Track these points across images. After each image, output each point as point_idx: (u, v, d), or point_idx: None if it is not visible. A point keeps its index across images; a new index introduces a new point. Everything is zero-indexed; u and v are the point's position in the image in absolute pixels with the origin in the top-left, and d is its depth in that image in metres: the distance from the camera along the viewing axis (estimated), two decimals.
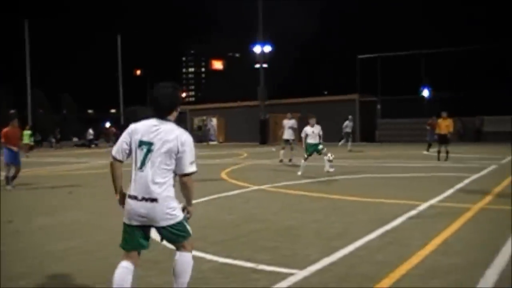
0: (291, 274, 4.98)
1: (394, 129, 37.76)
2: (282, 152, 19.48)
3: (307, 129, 14.73)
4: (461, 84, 47.70)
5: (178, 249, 3.91)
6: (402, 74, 52.87)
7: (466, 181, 12.36)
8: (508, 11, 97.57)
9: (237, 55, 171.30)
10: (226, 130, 46.46)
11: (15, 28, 55.05)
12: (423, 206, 8.81)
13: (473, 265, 5.17)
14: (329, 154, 14.29)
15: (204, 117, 48.12)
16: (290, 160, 18.94)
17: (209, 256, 5.67)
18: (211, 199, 10.21)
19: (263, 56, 42.97)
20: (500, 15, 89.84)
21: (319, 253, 5.72)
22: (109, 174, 3.96)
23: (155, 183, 3.67)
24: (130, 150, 3.83)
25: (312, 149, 14.60)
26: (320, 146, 14.63)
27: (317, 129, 14.75)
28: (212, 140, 45.69)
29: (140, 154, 3.74)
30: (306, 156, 14.78)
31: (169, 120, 3.81)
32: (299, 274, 4.98)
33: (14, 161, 12.96)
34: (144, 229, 3.80)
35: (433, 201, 9.30)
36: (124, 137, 3.85)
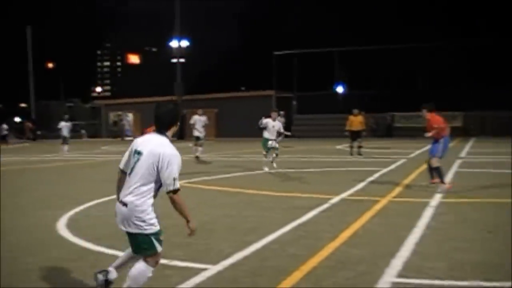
0: (204, 269, 4.98)
1: (309, 125, 38.65)
2: (195, 148, 19.04)
3: (269, 122, 14.49)
4: (374, 82, 49.68)
5: (143, 259, 4.00)
6: (317, 71, 54.28)
7: (377, 174, 12.84)
8: (419, 10, 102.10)
9: (154, 49, 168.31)
10: (142, 126, 45.62)
11: None
12: (335, 199, 9.07)
13: (380, 256, 5.37)
14: (274, 164, 14.36)
15: (120, 112, 46.90)
16: (197, 158, 18.43)
17: (120, 253, 5.51)
18: None
19: (180, 51, 42.58)
20: (411, 15, 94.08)
21: (233, 248, 5.75)
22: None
23: (132, 190, 3.84)
24: None
25: (270, 147, 14.43)
26: (277, 148, 14.65)
27: (277, 125, 14.64)
28: (128, 136, 44.60)
29: (132, 162, 3.97)
30: (264, 152, 14.56)
31: (166, 136, 4.00)
32: (212, 269, 4.99)
33: None
34: (129, 235, 3.96)
35: (344, 195, 9.59)
36: (128, 149, 4.14)
